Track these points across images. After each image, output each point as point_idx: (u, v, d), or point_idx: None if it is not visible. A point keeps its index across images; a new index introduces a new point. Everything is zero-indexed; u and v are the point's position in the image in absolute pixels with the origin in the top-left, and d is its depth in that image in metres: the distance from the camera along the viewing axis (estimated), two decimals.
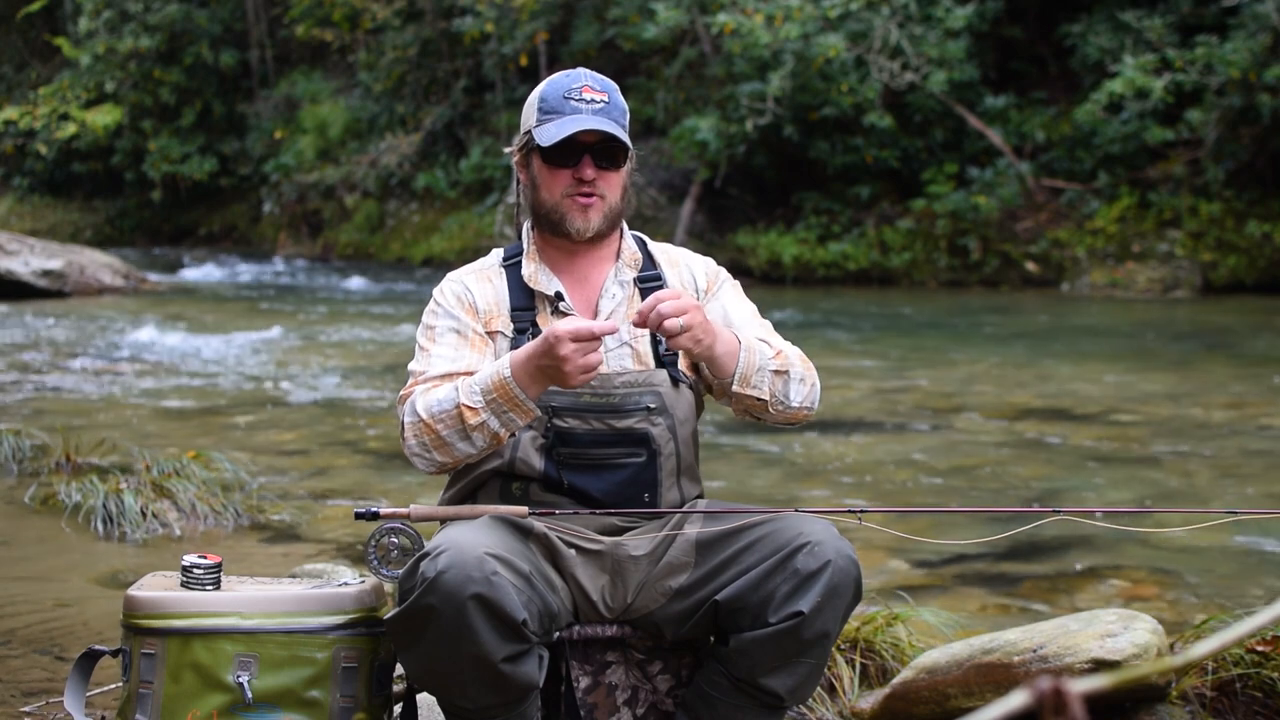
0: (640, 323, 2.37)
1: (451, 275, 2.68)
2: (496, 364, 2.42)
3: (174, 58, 25.75)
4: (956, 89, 17.65)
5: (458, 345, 2.55)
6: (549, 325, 2.43)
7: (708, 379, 2.59)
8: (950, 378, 9.50)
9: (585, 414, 2.52)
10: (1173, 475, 6.21)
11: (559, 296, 2.59)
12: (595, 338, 2.31)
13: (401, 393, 2.52)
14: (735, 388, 2.48)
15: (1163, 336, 12.19)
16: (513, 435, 2.47)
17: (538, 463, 2.53)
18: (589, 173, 2.53)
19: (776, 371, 2.50)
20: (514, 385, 2.36)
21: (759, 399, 2.50)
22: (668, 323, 2.34)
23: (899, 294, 16.49)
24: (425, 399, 2.44)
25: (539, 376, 2.36)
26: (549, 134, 2.51)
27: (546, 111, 2.54)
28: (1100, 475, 6.21)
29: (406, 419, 2.45)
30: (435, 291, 2.64)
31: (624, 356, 2.58)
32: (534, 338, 2.53)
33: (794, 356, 2.55)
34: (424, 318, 2.62)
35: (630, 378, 2.55)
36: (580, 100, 2.53)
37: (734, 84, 17.88)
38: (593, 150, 2.53)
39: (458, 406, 2.39)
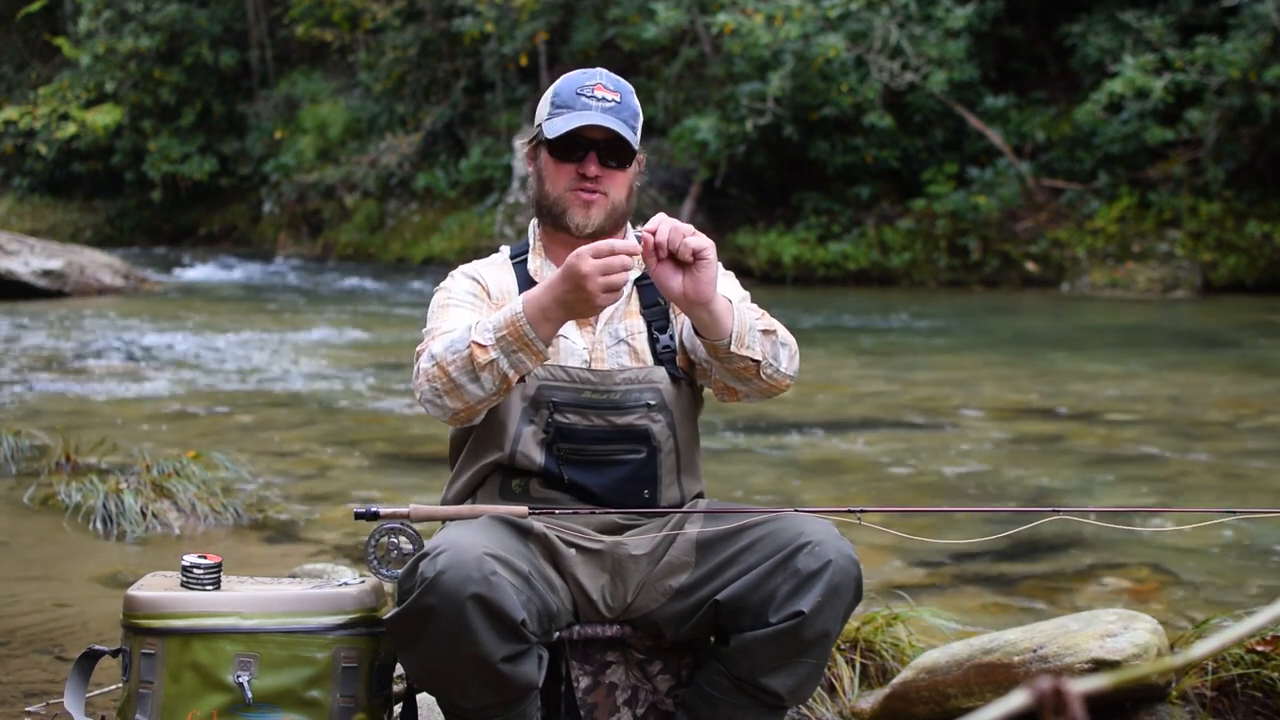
0: (651, 247, 2.33)
1: (461, 267, 2.68)
2: (511, 303, 2.39)
3: (174, 58, 25.76)
4: (956, 89, 17.65)
5: (473, 310, 2.54)
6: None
7: (698, 351, 2.52)
8: (950, 378, 9.50)
9: (586, 410, 2.53)
10: (1173, 475, 6.21)
11: None
12: (614, 253, 2.26)
13: (418, 348, 2.49)
14: (733, 346, 2.40)
15: (1163, 336, 12.19)
16: (521, 380, 2.43)
17: (538, 457, 2.53)
18: (593, 169, 2.53)
19: (765, 331, 2.46)
20: (524, 323, 2.32)
21: (753, 359, 2.43)
22: (690, 239, 2.31)
23: (899, 294, 16.49)
24: (442, 341, 2.41)
25: (555, 311, 2.31)
26: (556, 127, 2.52)
27: (558, 106, 2.55)
28: (1100, 475, 6.21)
29: (422, 364, 2.42)
30: (445, 281, 2.64)
31: (621, 354, 2.58)
32: None
33: (774, 321, 2.52)
34: (434, 299, 2.60)
35: (630, 374, 2.55)
36: (592, 97, 2.53)
37: (734, 84, 17.88)
38: (599, 147, 2.53)
39: (469, 345, 2.35)
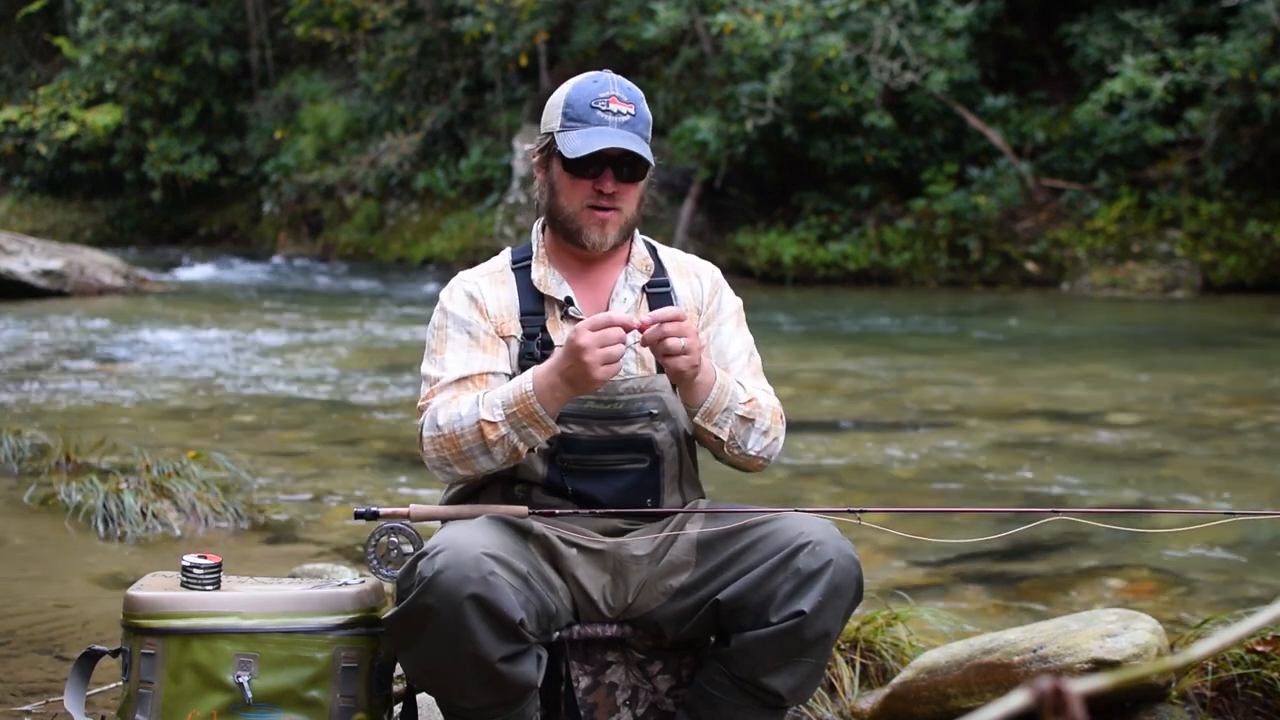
0: (641, 333, 2.39)
1: (462, 275, 2.65)
2: (519, 378, 2.41)
3: (174, 58, 25.74)
4: (956, 89, 17.64)
5: (469, 347, 2.53)
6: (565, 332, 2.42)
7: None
8: (950, 378, 9.50)
9: (589, 420, 2.52)
10: (1173, 475, 6.21)
11: (568, 301, 2.57)
12: (611, 324, 2.32)
13: (420, 403, 2.51)
14: (698, 420, 2.50)
15: (1163, 336, 12.19)
16: (531, 450, 2.47)
17: (540, 469, 2.52)
18: (609, 185, 2.50)
19: (742, 417, 2.52)
20: (534, 400, 2.36)
21: (717, 438, 2.52)
22: (670, 341, 2.36)
23: (899, 294, 16.49)
24: (446, 411, 2.43)
25: (561, 387, 2.35)
26: (574, 145, 2.47)
27: (572, 119, 2.49)
28: (1100, 475, 6.21)
29: (426, 432, 2.45)
30: (444, 293, 2.62)
31: (628, 361, 2.56)
32: (543, 343, 2.52)
33: (765, 407, 2.56)
34: (434, 318, 2.60)
35: (634, 383, 2.54)
36: (607, 111, 2.49)
37: (734, 84, 17.87)
38: (615, 164, 2.50)
39: (478, 422, 2.38)
